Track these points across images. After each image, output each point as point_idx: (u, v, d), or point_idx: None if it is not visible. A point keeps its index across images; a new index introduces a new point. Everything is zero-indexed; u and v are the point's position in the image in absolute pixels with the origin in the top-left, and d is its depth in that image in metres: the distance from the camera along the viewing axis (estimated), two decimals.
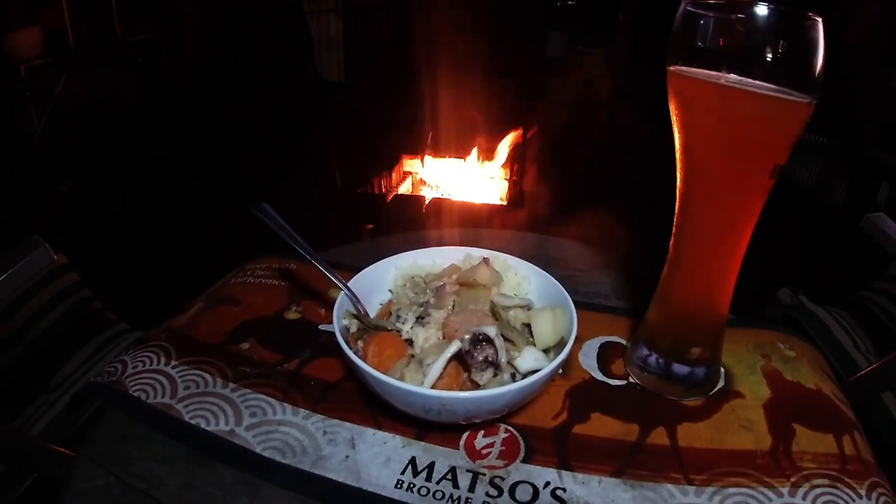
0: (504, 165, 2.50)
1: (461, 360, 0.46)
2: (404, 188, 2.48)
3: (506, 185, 2.44)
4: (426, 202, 2.28)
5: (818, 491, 0.46)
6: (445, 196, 2.39)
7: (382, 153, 2.62)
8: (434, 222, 2.12)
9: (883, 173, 2.32)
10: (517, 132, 2.67)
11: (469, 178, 2.49)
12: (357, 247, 0.90)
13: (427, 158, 2.53)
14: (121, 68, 3.83)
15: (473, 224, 2.14)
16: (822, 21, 0.40)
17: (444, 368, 0.45)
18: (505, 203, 2.36)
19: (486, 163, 2.52)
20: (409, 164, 2.58)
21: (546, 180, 2.59)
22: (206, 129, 3.66)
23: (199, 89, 4.10)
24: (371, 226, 2.25)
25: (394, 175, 2.48)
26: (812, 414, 0.54)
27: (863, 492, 0.46)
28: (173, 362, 0.58)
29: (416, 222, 2.15)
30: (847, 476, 0.47)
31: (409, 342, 0.49)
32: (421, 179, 2.52)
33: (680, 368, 0.54)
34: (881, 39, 2.54)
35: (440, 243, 0.62)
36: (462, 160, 2.51)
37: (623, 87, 4.12)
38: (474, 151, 2.53)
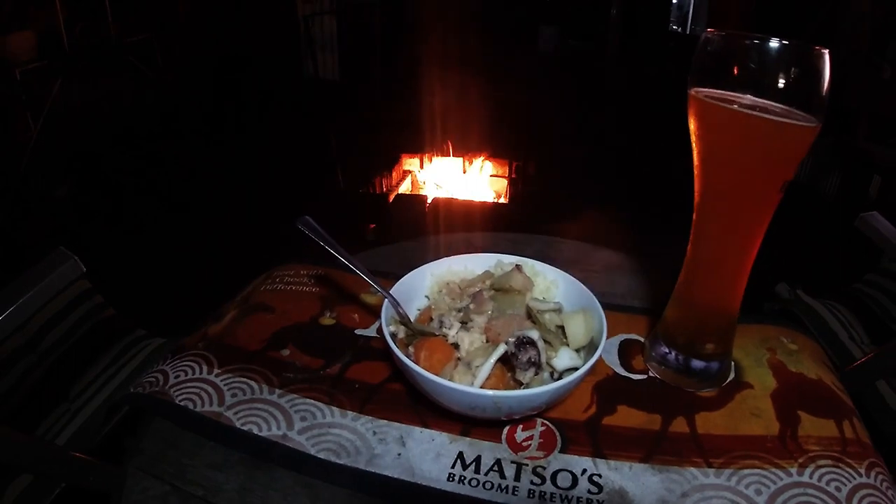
0: (503, 163, 2.53)
1: (505, 360, 0.50)
2: (405, 187, 2.51)
3: (505, 183, 2.48)
4: (428, 201, 2.31)
5: (823, 471, 0.51)
6: (447, 195, 2.42)
7: (382, 152, 2.64)
8: (438, 223, 2.16)
9: (875, 166, 2.37)
10: (516, 128, 2.71)
11: (469, 176, 2.52)
12: (376, 252, 0.93)
13: (426, 157, 2.56)
14: (116, 70, 3.82)
15: (475, 223, 2.18)
16: (829, 52, 0.44)
17: (492, 369, 0.49)
18: (506, 201, 2.40)
19: (485, 160, 2.56)
20: (409, 162, 2.60)
21: (546, 178, 2.63)
22: (203, 130, 3.66)
23: (194, 89, 4.09)
24: (374, 226, 2.28)
25: (394, 174, 2.51)
26: (815, 402, 0.58)
27: (862, 471, 0.51)
28: (216, 371, 0.60)
29: (419, 222, 2.19)
30: (848, 457, 0.52)
31: (455, 346, 0.53)
32: (421, 179, 2.55)
33: (696, 363, 0.59)
34: (872, 32, 2.58)
35: (457, 248, 0.66)
36: (461, 158, 2.54)
37: (616, 81, 4.16)
38: (472, 149, 2.56)
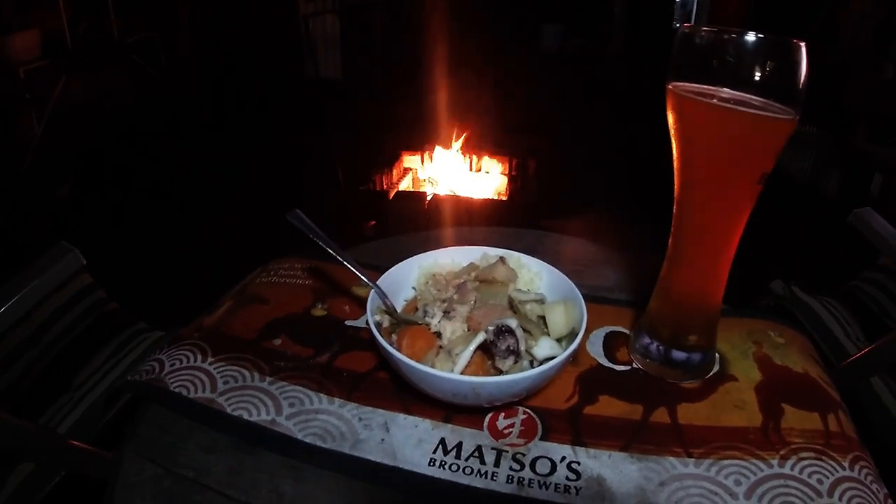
0: (504, 160, 2.54)
1: (485, 349, 0.51)
2: (405, 185, 2.52)
3: (505, 180, 2.49)
4: (428, 199, 2.33)
5: (804, 463, 0.51)
6: (446, 192, 2.43)
7: (382, 150, 2.66)
8: (437, 219, 2.17)
9: (876, 165, 2.37)
10: (517, 126, 2.71)
11: (468, 173, 2.53)
12: (370, 246, 0.94)
13: (426, 155, 2.57)
14: (119, 68, 3.84)
15: (474, 220, 2.19)
16: (806, 44, 0.45)
17: (471, 357, 0.50)
18: (505, 198, 2.41)
19: (485, 158, 2.57)
20: (409, 160, 2.62)
21: (547, 176, 2.64)
22: (204, 128, 3.69)
23: (197, 88, 4.12)
24: (373, 223, 2.29)
25: (394, 172, 2.53)
26: (799, 395, 0.59)
27: (846, 464, 0.51)
28: (210, 359, 0.62)
29: (418, 219, 2.20)
30: (831, 450, 0.52)
31: (438, 334, 0.54)
32: (421, 176, 2.56)
33: (678, 354, 0.60)
34: (872, 31, 2.57)
35: (449, 242, 0.67)
36: (461, 155, 2.55)
37: (619, 80, 4.16)
38: (472, 147, 2.57)
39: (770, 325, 0.69)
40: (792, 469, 0.51)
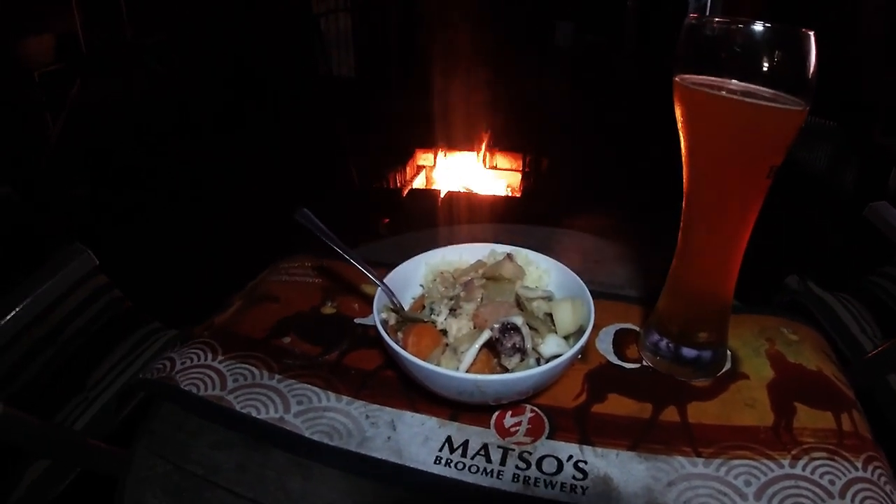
0: (517, 157, 2.54)
1: (491, 347, 0.51)
2: (418, 182, 2.52)
3: (518, 177, 2.48)
4: (441, 196, 2.33)
5: (817, 463, 0.50)
6: (459, 189, 2.43)
7: (396, 148, 2.66)
8: (450, 216, 2.17)
9: (892, 159, 2.32)
10: (530, 122, 2.70)
11: (481, 171, 2.53)
12: (381, 244, 0.94)
13: (440, 153, 2.57)
14: (133, 70, 3.89)
15: (488, 217, 2.18)
16: (815, 34, 0.44)
17: (477, 355, 0.50)
18: (518, 195, 2.40)
19: (498, 155, 2.56)
20: (423, 158, 2.62)
21: (557, 173, 2.62)
22: (219, 129, 3.72)
23: (209, 87, 4.15)
24: (387, 220, 2.30)
25: (408, 170, 2.53)
26: (812, 393, 0.58)
27: (859, 464, 0.50)
28: (220, 357, 0.62)
29: (431, 216, 2.20)
30: (844, 450, 0.51)
31: (444, 332, 0.54)
32: (435, 174, 2.56)
33: (689, 352, 0.59)
34: (889, 25, 2.52)
35: (459, 239, 0.67)
36: (474, 153, 2.55)
37: (631, 76, 4.12)
38: (486, 144, 2.57)
39: (783, 321, 0.68)
40: (803, 469, 0.50)
